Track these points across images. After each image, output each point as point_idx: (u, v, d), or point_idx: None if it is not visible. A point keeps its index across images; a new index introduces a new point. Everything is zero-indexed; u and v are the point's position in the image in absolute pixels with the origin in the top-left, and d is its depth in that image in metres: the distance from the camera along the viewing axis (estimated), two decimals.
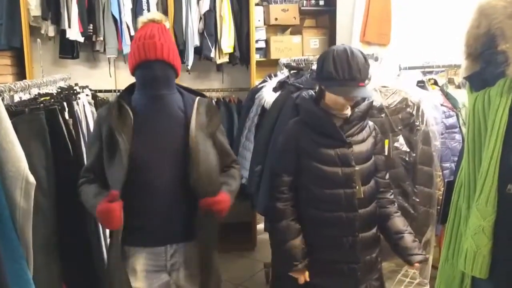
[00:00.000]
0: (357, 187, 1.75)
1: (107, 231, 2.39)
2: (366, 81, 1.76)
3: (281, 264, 1.83)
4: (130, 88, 1.80)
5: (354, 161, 1.76)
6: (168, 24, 1.76)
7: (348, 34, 3.93)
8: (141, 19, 1.74)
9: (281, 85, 2.74)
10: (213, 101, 3.44)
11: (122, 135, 1.62)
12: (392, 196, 1.93)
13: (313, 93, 1.89)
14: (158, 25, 1.70)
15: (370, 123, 1.91)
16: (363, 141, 1.82)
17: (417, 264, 1.84)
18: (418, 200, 2.19)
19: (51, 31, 3.46)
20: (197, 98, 1.78)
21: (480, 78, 1.26)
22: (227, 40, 3.69)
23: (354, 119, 1.80)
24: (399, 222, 1.87)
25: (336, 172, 1.75)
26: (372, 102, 1.89)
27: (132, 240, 1.68)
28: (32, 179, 1.24)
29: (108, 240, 2.52)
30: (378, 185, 1.88)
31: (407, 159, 2.15)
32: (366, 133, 1.85)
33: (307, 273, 1.79)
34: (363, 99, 1.83)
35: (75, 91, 2.49)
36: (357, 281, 1.79)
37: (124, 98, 1.74)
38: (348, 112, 1.80)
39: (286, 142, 1.85)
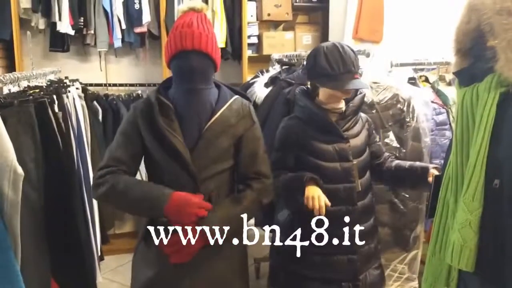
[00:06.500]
0: (355, 181, 1.76)
1: (97, 223, 2.38)
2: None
3: (291, 202, 1.75)
4: (167, 82, 1.67)
5: (352, 155, 1.77)
6: (209, 13, 1.65)
7: (341, 31, 3.93)
8: (181, 8, 1.62)
9: (272, 81, 2.74)
10: None
11: (175, 134, 1.53)
12: (387, 154, 1.94)
13: (306, 89, 1.89)
14: (198, 14, 1.58)
15: (363, 115, 1.92)
16: (358, 134, 1.83)
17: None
18: (407, 195, 2.20)
19: (41, 23, 3.43)
20: (235, 96, 1.67)
21: (468, 74, 1.27)
22: (219, 35, 3.67)
23: (350, 113, 1.81)
24: (402, 161, 1.90)
25: (335, 167, 1.76)
26: (364, 95, 1.91)
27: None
28: (20, 170, 1.24)
29: (98, 234, 2.52)
30: (373, 170, 1.89)
31: (397, 155, 2.16)
32: (360, 126, 1.86)
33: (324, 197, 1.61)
34: (356, 93, 1.84)
35: (65, 84, 2.48)
36: (356, 271, 1.79)
37: (162, 93, 1.61)
38: (343, 106, 1.81)
39: (284, 138, 1.83)
